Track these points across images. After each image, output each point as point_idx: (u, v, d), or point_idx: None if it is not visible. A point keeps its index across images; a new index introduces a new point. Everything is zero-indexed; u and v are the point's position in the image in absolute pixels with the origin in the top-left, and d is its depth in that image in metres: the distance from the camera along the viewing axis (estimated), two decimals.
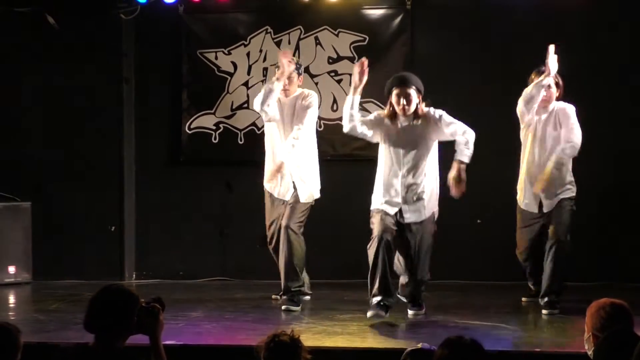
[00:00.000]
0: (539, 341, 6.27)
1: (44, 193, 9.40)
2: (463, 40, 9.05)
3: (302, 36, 9.27)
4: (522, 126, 7.36)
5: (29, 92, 9.48)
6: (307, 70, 9.12)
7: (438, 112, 6.92)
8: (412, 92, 6.86)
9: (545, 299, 7.15)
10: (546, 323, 6.87)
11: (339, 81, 9.22)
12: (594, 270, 8.59)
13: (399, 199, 6.84)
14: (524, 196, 7.39)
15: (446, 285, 8.35)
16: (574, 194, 7.31)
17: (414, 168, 6.85)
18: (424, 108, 6.91)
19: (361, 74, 6.92)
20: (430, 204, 6.92)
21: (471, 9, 9.02)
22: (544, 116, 7.30)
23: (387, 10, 9.27)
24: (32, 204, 9.27)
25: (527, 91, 7.18)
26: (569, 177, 7.31)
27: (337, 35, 9.25)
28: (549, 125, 7.29)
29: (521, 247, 7.46)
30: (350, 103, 6.94)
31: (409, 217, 6.84)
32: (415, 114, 6.89)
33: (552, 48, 7.06)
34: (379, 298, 6.66)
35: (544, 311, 7.11)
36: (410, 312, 7.01)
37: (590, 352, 4.02)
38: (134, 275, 9.52)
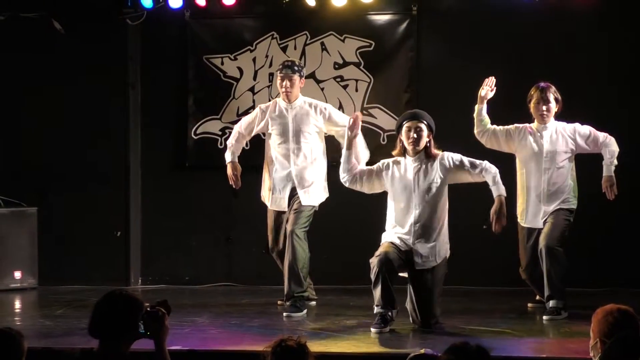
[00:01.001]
0: (545, 347, 6.26)
1: (49, 198, 9.42)
2: (469, 45, 9.05)
3: (308, 41, 9.27)
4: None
5: (34, 97, 9.50)
6: (312, 75, 9.13)
7: (456, 157, 6.81)
8: (423, 126, 6.77)
9: (548, 304, 7.18)
10: (552, 329, 6.85)
11: (344, 87, 9.22)
12: (599, 276, 8.58)
13: (410, 242, 6.74)
14: (527, 213, 7.42)
15: (451, 290, 8.32)
16: (573, 206, 7.33)
17: (426, 212, 6.73)
18: (435, 150, 6.82)
19: (354, 126, 6.90)
20: (443, 250, 6.81)
21: (476, 15, 9.02)
22: (544, 133, 7.34)
23: (393, 15, 9.27)
24: (38, 210, 9.28)
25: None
26: (572, 187, 7.34)
27: (343, 41, 9.25)
28: (549, 142, 7.32)
29: (524, 264, 7.46)
30: (345, 158, 6.94)
31: (421, 264, 6.74)
32: (427, 154, 6.81)
33: (489, 80, 7.14)
34: (381, 310, 6.64)
35: (544, 317, 7.12)
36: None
37: (596, 359, 4.01)
38: (139, 281, 9.53)
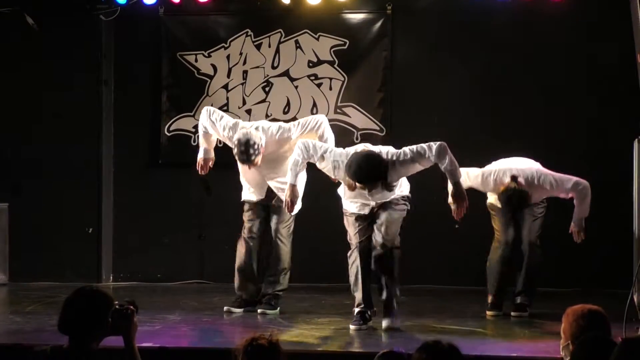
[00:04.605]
0: (516, 346, 6.28)
1: (21, 194, 9.35)
2: (442, 45, 9.08)
3: (282, 39, 9.27)
4: None
5: (7, 92, 9.43)
6: (287, 73, 9.14)
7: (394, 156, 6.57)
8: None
9: (517, 299, 7.23)
10: (523, 328, 6.88)
11: (319, 85, 9.22)
12: (568, 276, 8.63)
13: (369, 201, 6.67)
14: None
15: (423, 290, 8.36)
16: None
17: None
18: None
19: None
20: (398, 191, 6.65)
21: (451, 14, 9.05)
22: None
23: (367, 14, 9.28)
24: (9, 205, 9.23)
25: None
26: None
27: (317, 39, 9.25)
28: None
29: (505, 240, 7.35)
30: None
31: (378, 204, 6.64)
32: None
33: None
34: (361, 309, 6.65)
35: (512, 313, 7.16)
36: (384, 323, 6.67)
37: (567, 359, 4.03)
38: (111, 278, 9.49)
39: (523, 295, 7.23)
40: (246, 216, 7.53)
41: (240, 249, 7.49)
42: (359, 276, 6.64)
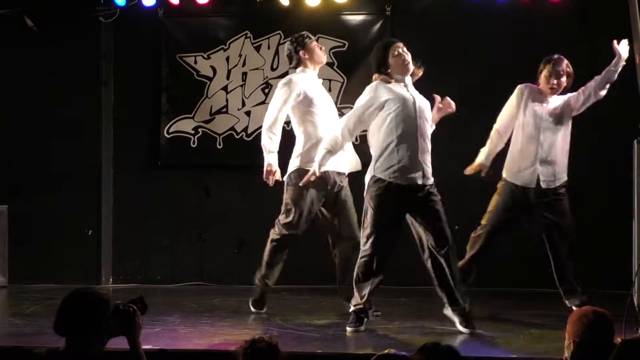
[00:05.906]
0: (516, 348, 6.28)
1: (21, 196, 9.36)
2: (442, 46, 9.08)
3: (281, 41, 9.27)
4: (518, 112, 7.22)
5: (6, 94, 9.44)
6: (286, 75, 9.11)
7: None
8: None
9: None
10: (523, 330, 6.88)
11: None
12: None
13: (417, 160, 6.61)
14: (519, 168, 7.17)
15: (423, 291, 8.33)
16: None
17: (425, 129, 6.76)
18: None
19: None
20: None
21: (450, 16, 9.06)
22: (548, 106, 7.20)
23: (366, 16, 9.29)
24: (9, 207, 9.23)
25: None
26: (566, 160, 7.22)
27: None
28: (554, 116, 7.18)
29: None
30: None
31: (428, 181, 6.63)
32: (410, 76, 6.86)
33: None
34: (359, 310, 6.66)
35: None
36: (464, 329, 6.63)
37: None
38: (111, 280, 9.50)
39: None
40: None
41: None
42: (369, 279, 6.63)
